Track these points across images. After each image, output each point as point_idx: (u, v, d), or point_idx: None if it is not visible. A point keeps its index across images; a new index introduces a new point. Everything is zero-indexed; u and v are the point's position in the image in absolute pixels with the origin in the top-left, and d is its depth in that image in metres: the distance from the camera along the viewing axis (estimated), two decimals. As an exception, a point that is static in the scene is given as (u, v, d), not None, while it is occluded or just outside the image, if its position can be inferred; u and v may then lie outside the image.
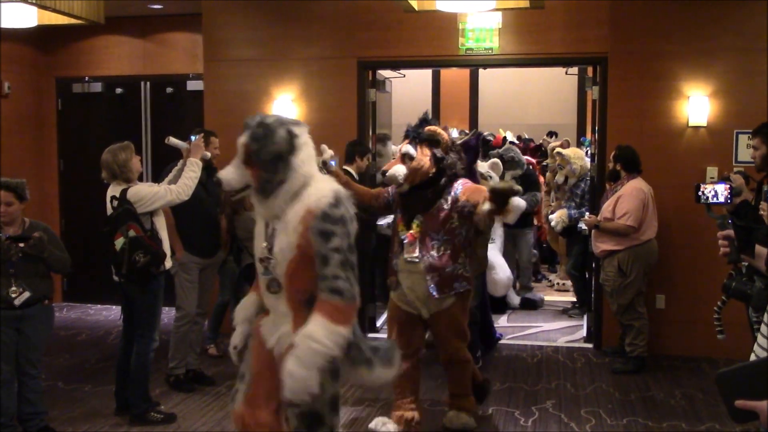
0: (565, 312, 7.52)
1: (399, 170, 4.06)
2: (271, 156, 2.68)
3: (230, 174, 2.82)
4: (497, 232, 6.77)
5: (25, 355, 4.24)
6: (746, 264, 3.31)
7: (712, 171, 5.97)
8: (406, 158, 4.08)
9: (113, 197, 4.46)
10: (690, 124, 6.06)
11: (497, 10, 5.97)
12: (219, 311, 6.10)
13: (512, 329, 6.91)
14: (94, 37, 7.81)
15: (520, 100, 11.11)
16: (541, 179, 8.39)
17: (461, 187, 4.07)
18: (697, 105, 6.03)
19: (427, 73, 10.17)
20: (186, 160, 4.77)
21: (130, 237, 4.33)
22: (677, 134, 6.10)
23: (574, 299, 7.61)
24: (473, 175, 5.34)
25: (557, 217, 6.99)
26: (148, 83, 7.81)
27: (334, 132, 6.39)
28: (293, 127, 2.76)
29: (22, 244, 4.11)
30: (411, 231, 4.13)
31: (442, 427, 4.49)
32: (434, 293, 4.10)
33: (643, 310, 5.74)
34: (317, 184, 2.72)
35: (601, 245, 5.74)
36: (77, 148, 7.97)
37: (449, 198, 4.07)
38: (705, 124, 6.05)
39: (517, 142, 8.28)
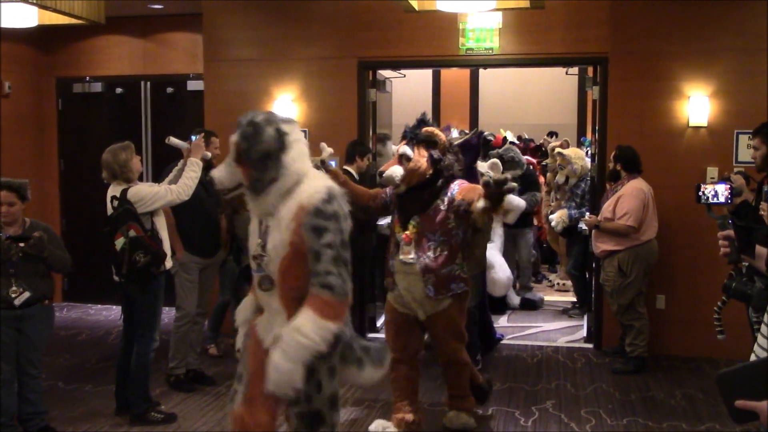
0: (565, 312, 7.52)
1: (396, 171, 4.04)
2: (260, 154, 2.67)
3: (222, 173, 2.82)
4: (497, 232, 6.77)
5: (25, 355, 4.25)
6: (746, 264, 3.31)
7: (712, 171, 5.97)
8: (403, 159, 4.06)
9: (113, 197, 4.46)
10: (690, 124, 6.06)
11: (497, 10, 5.97)
12: (219, 311, 6.10)
13: (512, 329, 6.91)
14: (94, 37, 7.81)
15: (521, 100, 11.11)
16: (542, 179, 8.39)
17: (458, 187, 4.06)
18: (697, 105, 6.03)
19: (427, 73, 10.18)
20: (186, 160, 4.78)
21: (131, 237, 4.33)
22: (678, 134, 6.10)
23: (575, 299, 7.61)
24: (474, 174, 5.34)
25: (557, 218, 6.99)
26: (149, 83, 7.82)
27: (334, 132, 6.40)
28: (283, 125, 2.73)
29: (22, 244, 4.11)
30: (407, 232, 4.11)
31: (442, 427, 4.49)
32: (431, 294, 4.08)
33: (644, 311, 5.74)
34: (311, 181, 2.71)
35: (601, 245, 5.75)
36: (78, 148, 7.97)
37: (446, 199, 4.06)
38: (705, 125, 6.05)
39: (517, 142, 8.28)
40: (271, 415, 2.85)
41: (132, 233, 4.34)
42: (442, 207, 4.06)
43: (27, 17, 5.42)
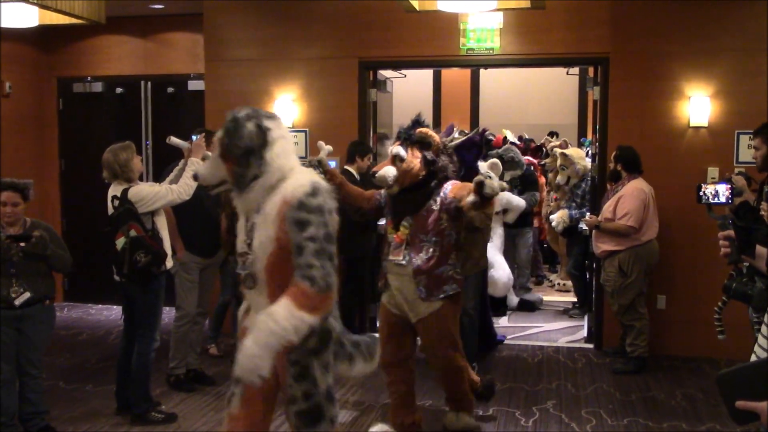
0: (565, 312, 7.52)
1: (389, 171, 4.00)
2: (241, 150, 2.65)
3: (206, 169, 2.82)
4: (497, 232, 6.76)
5: (26, 355, 4.25)
6: (747, 264, 3.30)
7: (713, 171, 5.97)
8: (396, 160, 4.02)
9: (114, 197, 4.46)
10: (691, 124, 6.06)
11: (498, 10, 5.97)
12: (220, 311, 6.10)
13: (513, 329, 6.91)
14: (95, 37, 7.81)
15: (521, 100, 11.10)
16: (542, 180, 8.39)
17: (450, 186, 4.02)
18: (698, 105, 6.03)
19: (428, 73, 10.17)
20: (187, 160, 4.78)
21: (131, 237, 4.33)
22: (678, 134, 6.10)
23: (575, 299, 7.61)
24: (476, 172, 5.32)
25: (558, 218, 6.99)
26: (149, 83, 7.82)
27: (335, 132, 6.41)
28: (265, 121, 2.70)
29: (22, 244, 4.12)
30: (398, 233, 4.08)
31: (443, 429, 4.49)
32: (423, 296, 4.02)
33: (644, 311, 5.74)
34: (296, 176, 2.67)
35: (601, 245, 5.74)
36: (78, 148, 7.98)
37: (438, 199, 4.02)
38: (706, 125, 6.05)
39: (518, 142, 8.27)
40: (267, 416, 2.85)
41: (133, 233, 4.34)
42: (434, 207, 4.02)
43: (27, 17, 5.42)
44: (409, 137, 4.06)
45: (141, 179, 4.76)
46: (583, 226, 6.33)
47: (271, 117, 2.75)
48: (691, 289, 6.06)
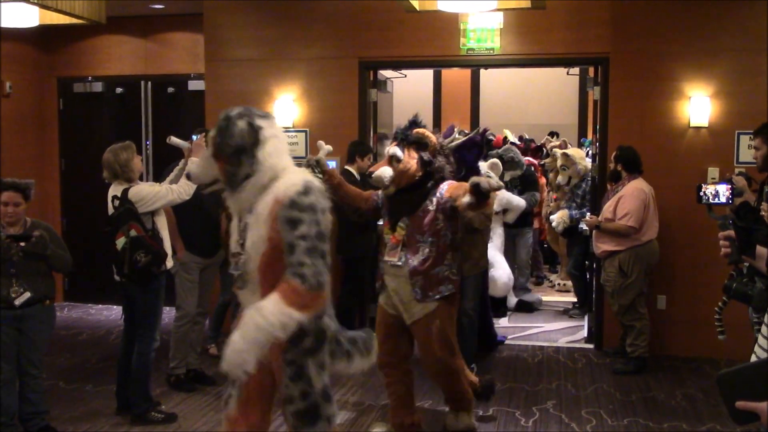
0: (565, 312, 7.52)
1: (385, 172, 3.99)
2: (233, 149, 2.64)
3: (198, 168, 2.81)
4: (497, 231, 6.77)
5: (26, 355, 4.25)
6: (747, 265, 3.30)
7: (713, 171, 5.97)
8: (393, 160, 4.01)
9: (114, 197, 4.46)
10: (691, 124, 6.06)
11: (498, 10, 5.97)
12: (220, 311, 6.10)
13: (513, 329, 6.91)
14: (95, 37, 7.82)
15: (522, 100, 11.10)
16: (543, 180, 8.38)
17: (446, 186, 4.01)
18: (698, 105, 6.03)
19: (428, 74, 10.17)
20: (187, 160, 4.77)
21: (132, 237, 4.33)
22: (678, 135, 6.10)
23: (575, 299, 7.60)
24: (477, 172, 5.32)
25: (558, 218, 6.99)
26: (150, 83, 7.82)
27: (335, 132, 6.40)
28: (258, 120, 2.68)
29: (22, 244, 4.12)
30: (395, 234, 4.07)
31: (443, 428, 4.49)
32: (418, 297, 4.01)
33: (644, 311, 5.74)
34: (288, 176, 2.66)
35: (602, 246, 5.74)
36: (79, 148, 7.98)
37: (435, 200, 4.00)
38: (706, 125, 6.05)
39: (518, 142, 8.26)
40: (264, 416, 2.85)
41: (133, 233, 4.34)
42: (430, 208, 4.00)
43: (28, 17, 5.42)
44: (406, 138, 4.05)
45: (141, 179, 4.76)
46: (583, 226, 6.33)
47: (264, 116, 2.73)
48: (691, 290, 6.06)
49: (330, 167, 4.23)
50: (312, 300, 2.51)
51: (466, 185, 3.66)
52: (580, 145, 9.02)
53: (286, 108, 6.66)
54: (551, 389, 5.32)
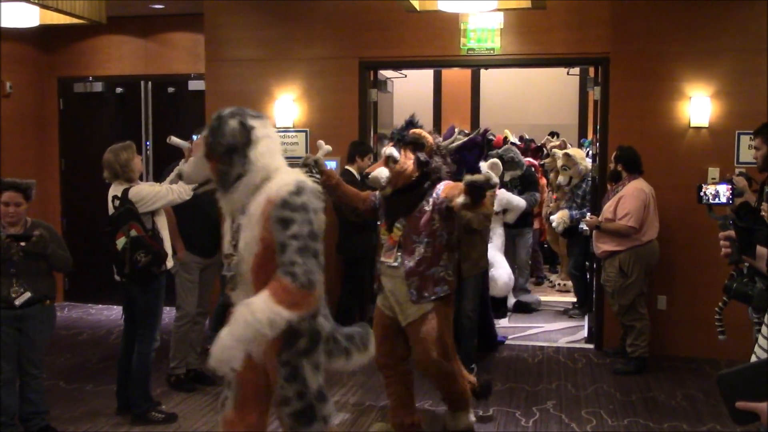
0: (565, 312, 7.52)
1: (381, 173, 3.98)
2: (224, 148, 2.64)
3: (190, 167, 2.81)
4: (497, 232, 6.76)
5: (26, 355, 4.25)
6: (747, 265, 3.30)
7: (713, 172, 5.97)
8: (389, 161, 4.00)
9: (115, 197, 4.46)
10: (692, 124, 6.06)
11: (499, 10, 5.97)
12: (220, 311, 6.07)
13: (513, 330, 6.91)
14: (95, 37, 7.82)
15: (522, 100, 11.10)
16: (543, 181, 8.37)
17: (443, 187, 4.00)
18: (698, 105, 6.03)
19: (428, 74, 10.17)
20: (188, 160, 4.77)
21: (132, 237, 4.33)
22: (679, 135, 6.10)
23: (575, 299, 7.60)
24: (478, 173, 5.30)
25: (559, 218, 6.99)
26: (150, 83, 7.82)
27: (335, 132, 6.40)
28: (250, 120, 2.69)
29: (23, 243, 4.12)
30: (391, 235, 4.05)
31: (442, 428, 4.48)
32: (414, 298, 3.99)
33: (645, 311, 5.73)
34: (281, 176, 2.65)
35: (602, 246, 5.74)
36: (79, 148, 7.98)
37: (431, 200, 4.00)
38: (707, 125, 6.05)
39: (518, 142, 8.26)
40: (261, 417, 2.84)
41: (133, 233, 4.34)
42: (427, 208, 3.99)
43: (28, 17, 5.42)
44: (402, 138, 4.03)
45: (141, 179, 4.76)
46: (583, 226, 6.32)
47: (257, 116, 2.73)
48: (691, 290, 6.06)
49: (328, 167, 4.22)
50: (302, 299, 2.49)
51: (461, 185, 3.66)
52: (580, 146, 9.02)
53: (287, 108, 6.67)
54: (551, 389, 5.32)
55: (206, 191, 2.95)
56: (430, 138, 4.08)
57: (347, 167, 6.06)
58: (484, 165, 5.59)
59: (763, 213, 3.71)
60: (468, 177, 3.54)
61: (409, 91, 9.47)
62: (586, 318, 6.98)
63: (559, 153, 7.31)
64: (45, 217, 6.39)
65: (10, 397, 4.20)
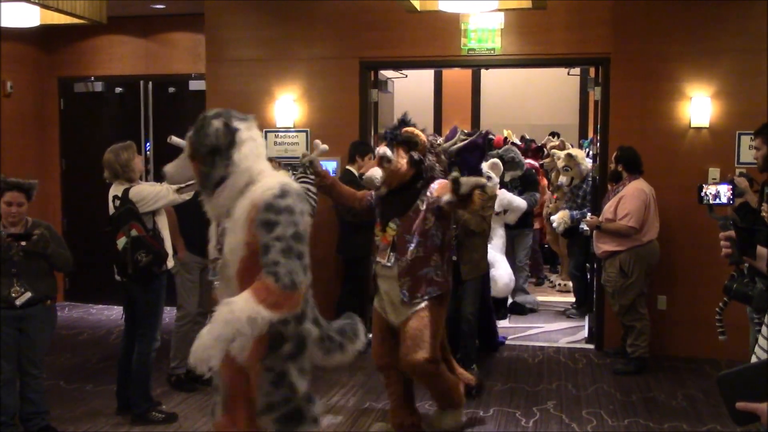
0: (563, 313, 7.50)
1: (375, 173, 3.97)
2: (207, 149, 2.62)
3: (173, 167, 2.80)
4: (498, 232, 6.76)
5: (27, 355, 4.25)
6: (748, 265, 3.30)
7: (714, 172, 5.97)
8: (383, 161, 3.98)
9: (115, 197, 4.47)
10: (692, 125, 6.06)
11: (499, 10, 5.97)
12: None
13: (514, 330, 6.91)
14: (96, 37, 7.82)
15: (522, 100, 11.09)
16: (544, 182, 8.36)
17: (436, 185, 3.97)
18: (699, 106, 6.02)
19: (429, 74, 10.17)
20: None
21: (133, 236, 4.34)
22: (679, 135, 6.10)
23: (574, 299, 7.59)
24: (480, 175, 5.31)
25: (559, 218, 6.98)
26: (150, 83, 7.82)
27: (336, 132, 6.41)
28: (235, 122, 2.66)
29: (23, 243, 4.12)
30: (385, 234, 4.04)
31: (428, 426, 4.44)
32: (405, 299, 3.97)
33: (645, 311, 5.73)
34: (265, 179, 2.63)
35: (602, 246, 5.74)
36: (79, 148, 7.98)
37: (425, 199, 3.98)
38: (707, 125, 6.04)
39: (519, 143, 8.25)
40: (252, 421, 2.82)
41: (134, 233, 4.34)
42: (422, 208, 3.98)
43: (29, 17, 5.43)
44: (395, 137, 4.01)
45: (142, 179, 4.76)
46: (584, 226, 6.32)
47: (243, 119, 2.70)
48: (691, 290, 6.05)
49: (323, 168, 4.19)
50: (284, 299, 2.46)
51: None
52: (579, 146, 9.01)
53: (287, 108, 6.67)
54: (552, 389, 5.32)
55: (183, 191, 2.93)
56: (423, 136, 4.04)
57: (348, 167, 6.06)
58: (484, 165, 5.62)
59: (763, 213, 3.72)
60: (454, 174, 3.52)
61: (410, 91, 9.48)
62: (587, 318, 6.98)
63: (560, 153, 7.30)
64: (45, 217, 6.40)
65: (11, 397, 4.20)
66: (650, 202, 5.62)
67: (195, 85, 7.56)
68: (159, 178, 5.50)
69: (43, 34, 7.75)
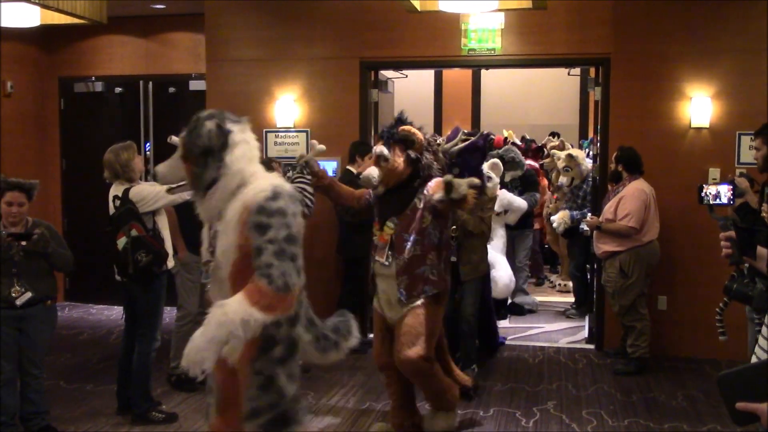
0: (563, 313, 7.50)
1: (372, 173, 3.96)
2: (200, 149, 2.60)
3: (165, 167, 2.78)
4: (498, 233, 6.75)
5: (27, 355, 4.26)
6: (748, 265, 3.30)
7: (714, 172, 5.97)
8: (380, 160, 3.98)
9: (116, 197, 4.47)
10: (692, 125, 6.06)
11: (500, 10, 5.97)
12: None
13: (514, 330, 6.91)
14: (96, 37, 7.82)
15: (523, 100, 11.09)
16: (544, 182, 8.36)
17: (433, 183, 3.97)
18: (699, 106, 6.02)
19: (429, 74, 10.17)
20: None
21: (133, 236, 4.34)
22: (680, 135, 6.10)
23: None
24: (480, 176, 5.31)
25: (559, 219, 6.98)
26: (151, 83, 7.82)
27: (336, 132, 6.41)
28: (228, 123, 2.64)
29: (24, 243, 4.12)
30: (382, 233, 4.04)
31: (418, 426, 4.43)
32: (402, 298, 3.97)
33: (645, 312, 5.73)
34: (257, 182, 2.61)
35: (602, 246, 5.74)
36: (79, 148, 7.98)
37: (422, 198, 3.98)
38: (707, 126, 6.04)
39: (519, 143, 8.25)
40: (240, 420, 2.81)
41: (134, 233, 4.34)
42: (419, 206, 3.98)
43: (29, 17, 5.43)
44: (392, 136, 4.00)
45: (142, 179, 4.76)
46: (584, 226, 6.32)
47: (236, 121, 2.69)
48: (692, 290, 6.05)
49: (321, 167, 4.17)
50: (278, 301, 2.44)
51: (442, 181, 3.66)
52: (579, 146, 9.00)
53: (287, 108, 6.67)
54: (552, 390, 5.32)
55: (170, 191, 2.91)
56: (419, 134, 4.03)
57: (348, 167, 6.06)
58: (485, 166, 5.62)
59: (763, 214, 3.72)
60: (447, 177, 3.52)
61: (410, 91, 9.48)
62: (587, 318, 6.98)
63: (560, 154, 7.30)
64: (46, 217, 6.39)
65: (11, 397, 4.20)
66: (650, 203, 5.62)
67: (195, 85, 7.57)
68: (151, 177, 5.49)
69: (44, 34, 7.75)
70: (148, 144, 7.81)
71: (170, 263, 4.65)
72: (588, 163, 7.14)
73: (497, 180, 6.16)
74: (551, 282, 9.04)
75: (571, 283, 7.88)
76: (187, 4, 7.14)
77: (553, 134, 9.85)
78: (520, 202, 6.85)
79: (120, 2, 6.67)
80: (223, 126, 2.63)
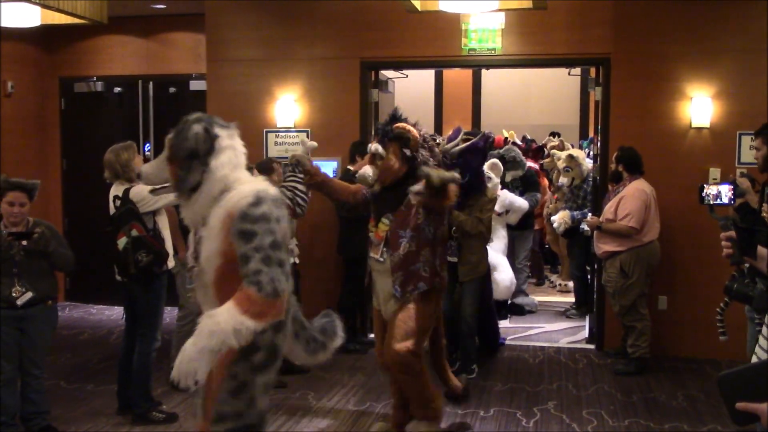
0: (564, 313, 7.50)
1: (367, 171, 3.97)
2: (185, 153, 2.59)
3: (150, 168, 2.77)
4: (499, 234, 6.75)
5: (28, 355, 4.26)
6: (749, 265, 3.30)
7: (714, 172, 5.97)
8: (375, 158, 3.98)
9: (116, 197, 4.47)
10: (693, 125, 6.06)
11: (500, 10, 5.97)
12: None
13: (514, 330, 6.91)
14: (97, 37, 7.83)
15: (523, 100, 11.09)
16: (545, 182, 8.36)
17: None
18: (700, 106, 6.02)
19: (429, 74, 10.16)
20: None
21: (133, 236, 4.34)
22: (680, 135, 6.10)
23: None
24: (481, 177, 5.31)
25: (560, 219, 6.98)
26: (151, 83, 7.82)
27: (336, 132, 6.41)
28: (216, 128, 2.63)
29: (24, 242, 4.12)
30: (377, 230, 4.05)
31: None
32: (397, 294, 3.97)
33: (646, 312, 5.73)
34: (240, 187, 2.58)
35: (603, 246, 5.74)
36: (80, 148, 7.98)
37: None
38: (708, 125, 6.04)
39: (519, 143, 8.25)
40: None
41: (134, 233, 4.35)
42: (413, 202, 3.96)
43: (30, 17, 5.43)
44: (387, 134, 3.99)
45: (142, 179, 4.75)
46: (584, 227, 6.31)
47: (225, 126, 2.68)
48: (692, 290, 6.05)
49: (314, 165, 4.09)
50: (268, 308, 2.42)
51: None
52: (579, 147, 9.00)
53: (288, 108, 6.67)
54: (552, 390, 5.32)
55: (157, 193, 2.91)
56: (414, 131, 4.02)
57: (349, 167, 6.06)
58: (485, 166, 5.62)
59: (764, 214, 3.72)
60: (425, 169, 3.51)
61: (410, 91, 9.47)
62: (587, 318, 6.98)
63: (560, 154, 7.29)
64: (46, 217, 6.40)
65: (11, 397, 4.20)
66: (651, 203, 5.62)
67: (195, 85, 7.56)
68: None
69: (44, 34, 7.75)
70: (148, 144, 7.81)
71: (171, 263, 4.65)
72: (588, 163, 7.14)
73: (497, 180, 6.16)
74: (551, 282, 9.04)
75: (571, 283, 7.89)
76: (188, 4, 7.14)
77: (554, 134, 9.85)
78: (522, 203, 6.85)
79: (120, 2, 6.67)
80: (210, 130, 2.61)
